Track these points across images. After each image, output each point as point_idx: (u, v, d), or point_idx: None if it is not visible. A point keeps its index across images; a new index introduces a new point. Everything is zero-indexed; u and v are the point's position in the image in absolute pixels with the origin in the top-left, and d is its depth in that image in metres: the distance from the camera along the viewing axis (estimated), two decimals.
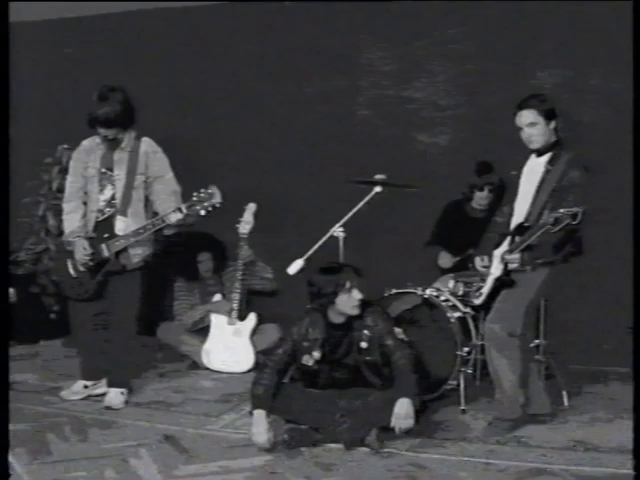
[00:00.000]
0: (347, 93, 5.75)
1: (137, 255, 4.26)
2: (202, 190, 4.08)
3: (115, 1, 5.94)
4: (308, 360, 4.02)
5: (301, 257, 4.57)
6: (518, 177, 4.02)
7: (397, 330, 4.08)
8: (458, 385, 4.38)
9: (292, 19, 5.77)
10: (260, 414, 3.80)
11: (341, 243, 4.67)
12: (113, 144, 4.26)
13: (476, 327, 4.51)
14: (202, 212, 4.08)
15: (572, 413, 4.25)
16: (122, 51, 6.04)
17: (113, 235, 4.18)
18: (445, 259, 5.06)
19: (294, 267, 4.59)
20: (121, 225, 4.18)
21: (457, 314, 4.52)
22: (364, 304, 3.99)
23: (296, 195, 5.66)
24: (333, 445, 3.78)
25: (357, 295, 3.92)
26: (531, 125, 3.84)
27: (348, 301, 3.92)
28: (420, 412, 3.90)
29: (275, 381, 3.94)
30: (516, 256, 3.78)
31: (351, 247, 4.71)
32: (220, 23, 5.92)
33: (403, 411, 3.75)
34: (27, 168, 4.68)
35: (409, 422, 3.75)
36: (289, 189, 5.68)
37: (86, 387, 4.54)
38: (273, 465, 3.58)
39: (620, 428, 3.97)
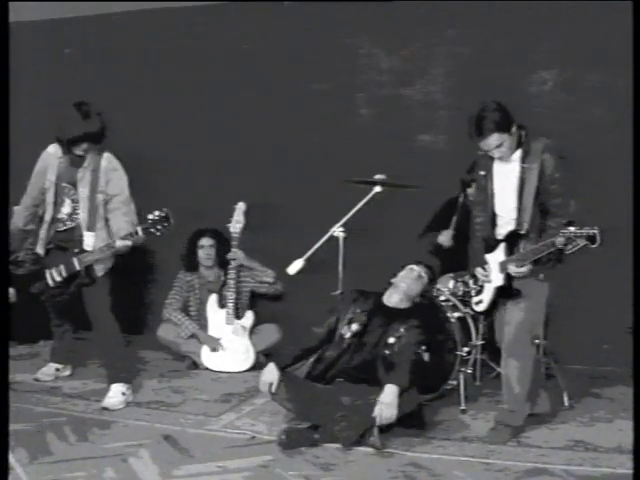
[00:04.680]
0: (347, 93, 5.75)
1: (100, 269, 4.43)
2: (156, 212, 4.20)
3: (115, 1, 5.95)
4: (346, 331, 4.09)
5: (301, 257, 4.58)
6: (489, 177, 3.90)
7: (422, 347, 4.09)
8: (458, 385, 4.38)
9: (292, 19, 5.77)
10: (271, 366, 3.98)
11: (341, 243, 4.68)
12: (76, 160, 4.38)
13: (476, 327, 4.52)
14: (157, 234, 4.22)
15: (572, 413, 4.25)
16: (122, 51, 6.04)
17: (82, 250, 4.34)
18: (446, 236, 5.03)
19: (294, 267, 4.60)
20: (90, 241, 4.34)
21: (457, 314, 4.52)
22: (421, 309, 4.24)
23: (296, 195, 5.66)
24: (333, 445, 3.78)
25: (405, 278, 4.21)
26: (499, 146, 3.72)
27: (402, 274, 4.25)
28: (416, 417, 3.92)
29: (310, 347, 4.14)
30: (524, 269, 3.65)
31: (351, 247, 4.71)
32: (220, 23, 5.91)
33: (387, 399, 3.75)
34: (27, 168, 4.68)
35: (391, 412, 3.74)
36: (289, 189, 5.68)
37: (57, 370, 4.96)
38: (273, 465, 3.58)
39: (620, 428, 3.98)
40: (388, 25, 5.59)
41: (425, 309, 4.32)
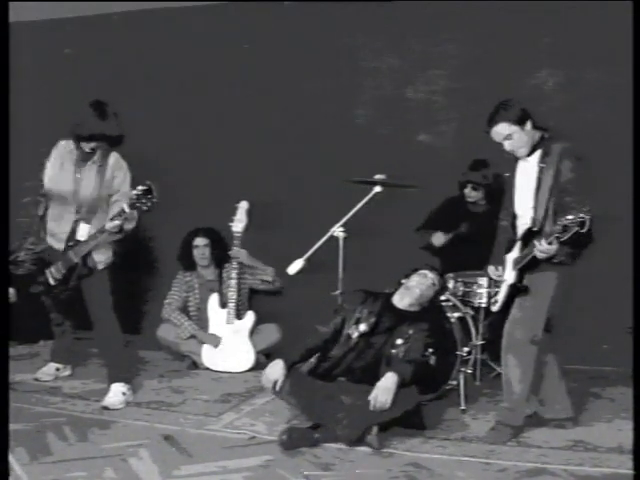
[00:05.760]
0: (347, 93, 5.75)
1: (101, 262, 4.43)
2: (139, 187, 4.16)
3: (115, 1, 5.95)
4: (353, 331, 4.10)
5: (301, 257, 4.58)
6: (512, 178, 3.93)
7: (430, 350, 4.10)
8: (458, 385, 4.38)
9: (292, 19, 5.77)
10: (278, 363, 3.97)
11: (341, 243, 4.67)
12: (86, 155, 4.38)
13: (476, 327, 4.52)
14: (144, 208, 4.18)
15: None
16: (122, 51, 6.04)
17: (76, 242, 4.35)
18: (439, 238, 5.10)
19: (294, 267, 4.59)
20: (83, 231, 4.35)
21: (457, 314, 4.52)
22: (428, 313, 4.23)
23: (296, 195, 5.66)
24: (333, 445, 3.78)
25: (420, 285, 4.19)
26: (508, 137, 3.75)
27: (417, 279, 4.21)
28: (416, 418, 3.93)
29: (315, 346, 4.14)
30: (554, 246, 3.55)
31: (351, 247, 4.71)
32: (220, 23, 5.92)
33: (384, 384, 3.78)
34: (27, 168, 4.68)
35: (386, 397, 3.75)
36: (289, 189, 5.68)
37: (57, 369, 4.97)
38: (273, 465, 3.58)
39: (620, 428, 3.97)
40: (388, 25, 5.59)
41: (434, 314, 4.32)
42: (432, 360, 4.07)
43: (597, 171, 4.78)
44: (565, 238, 3.48)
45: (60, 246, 4.41)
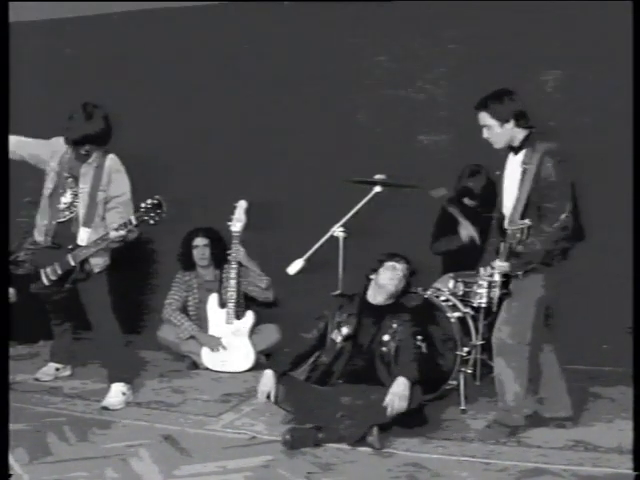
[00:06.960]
0: (347, 93, 5.75)
1: (98, 265, 4.41)
2: (149, 200, 4.18)
3: (115, 1, 5.94)
4: (337, 336, 4.11)
5: (301, 257, 4.58)
6: (501, 176, 3.91)
7: (418, 337, 4.12)
8: (458, 385, 4.38)
9: (292, 19, 5.77)
10: (268, 374, 3.97)
11: (341, 243, 4.67)
12: (82, 156, 4.36)
13: (476, 327, 4.51)
14: (151, 222, 4.20)
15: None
16: (122, 51, 6.04)
17: (76, 245, 4.32)
18: (468, 228, 5.04)
19: (294, 267, 4.59)
20: (84, 236, 4.33)
21: (457, 314, 4.52)
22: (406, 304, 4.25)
23: (296, 195, 5.66)
24: (333, 445, 3.78)
25: (392, 280, 4.15)
26: (484, 127, 3.78)
27: (387, 275, 4.17)
28: (417, 415, 3.94)
29: (304, 352, 4.16)
30: (504, 264, 3.70)
31: (351, 247, 4.71)
32: (220, 23, 5.92)
33: (399, 389, 3.79)
34: (27, 168, 4.68)
35: (402, 404, 3.78)
36: (289, 189, 5.68)
37: (57, 369, 4.97)
38: (273, 465, 3.58)
39: (620, 428, 3.97)
40: (388, 25, 5.59)
41: (410, 300, 4.35)
42: (424, 347, 4.09)
43: (597, 171, 4.81)
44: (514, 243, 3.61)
45: (41, 239, 4.41)
